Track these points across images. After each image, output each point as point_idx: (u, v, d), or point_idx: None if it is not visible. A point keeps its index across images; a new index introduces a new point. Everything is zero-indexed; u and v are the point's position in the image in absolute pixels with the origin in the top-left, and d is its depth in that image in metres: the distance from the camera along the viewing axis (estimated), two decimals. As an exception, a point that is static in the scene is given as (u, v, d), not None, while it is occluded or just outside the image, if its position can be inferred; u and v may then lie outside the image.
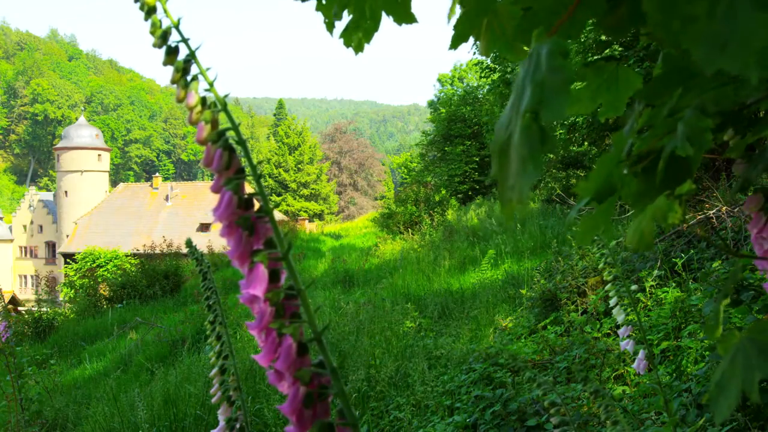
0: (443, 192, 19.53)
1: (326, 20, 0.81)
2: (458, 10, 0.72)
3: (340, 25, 0.83)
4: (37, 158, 79.72)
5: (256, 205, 0.51)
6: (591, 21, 0.66)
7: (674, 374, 3.06)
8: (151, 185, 38.03)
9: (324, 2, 0.78)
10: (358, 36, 0.81)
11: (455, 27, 0.69)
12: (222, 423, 1.11)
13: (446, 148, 22.35)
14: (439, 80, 30.56)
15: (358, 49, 0.83)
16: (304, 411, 0.48)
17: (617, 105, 0.72)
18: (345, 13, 0.79)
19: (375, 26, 0.80)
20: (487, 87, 16.69)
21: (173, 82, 0.52)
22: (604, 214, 0.63)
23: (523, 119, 0.50)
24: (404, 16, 0.78)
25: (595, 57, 9.07)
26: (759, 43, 0.36)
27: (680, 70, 0.62)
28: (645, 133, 0.63)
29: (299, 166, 46.29)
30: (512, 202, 0.51)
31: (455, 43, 0.70)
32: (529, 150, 0.49)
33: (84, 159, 41.43)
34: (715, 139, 0.65)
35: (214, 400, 1.15)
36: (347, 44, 0.83)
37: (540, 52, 0.51)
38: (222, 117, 0.52)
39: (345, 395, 0.49)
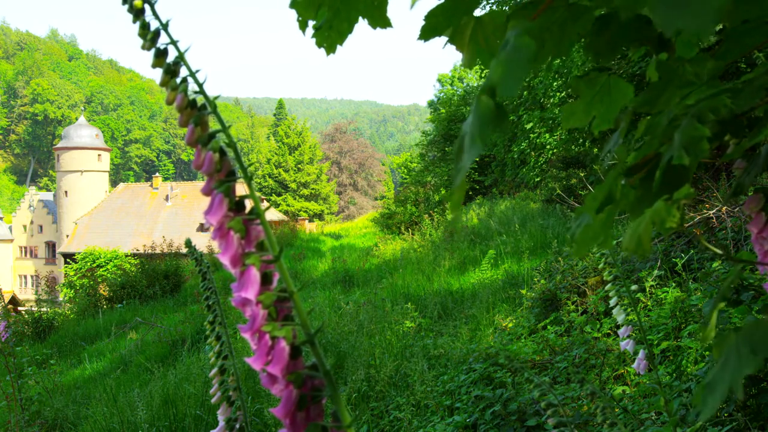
0: (443, 192, 19.50)
1: (299, 18, 0.78)
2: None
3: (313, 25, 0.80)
4: (37, 158, 79.74)
5: (248, 206, 0.51)
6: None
7: (674, 374, 3.06)
8: (151, 185, 38.01)
9: (298, 0, 0.76)
10: (331, 37, 0.79)
11: (426, 18, 0.66)
12: (222, 423, 1.11)
13: (446, 148, 22.37)
14: (439, 80, 30.51)
15: (330, 50, 0.80)
16: (297, 414, 0.48)
17: (610, 117, 0.70)
18: (319, 12, 0.77)
19: (349, 28, 0.77)
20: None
21: (162, 84, 0.51)
22: (602, 225, 0.62)
23: (478, 99, 0.50)
24: (379, 20, 0.76)
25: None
26: (717, 2, 0.36)
27: (674, 77, 0.62)
28: (641, 142, 0.62)
29: (299, 166, 46.28)
30: (458, 188, 0.51)
31: (425, 35, 0.68)
32: (479, 127, 0.50)
33: (84, 159, 41.43)
34: (716, 139, 0.64)
35: (213, 400, 1.15)
36: (319, 45, 0.80)
37: (509, 38, 0.51)
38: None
39: (339, 398, 0.48)
